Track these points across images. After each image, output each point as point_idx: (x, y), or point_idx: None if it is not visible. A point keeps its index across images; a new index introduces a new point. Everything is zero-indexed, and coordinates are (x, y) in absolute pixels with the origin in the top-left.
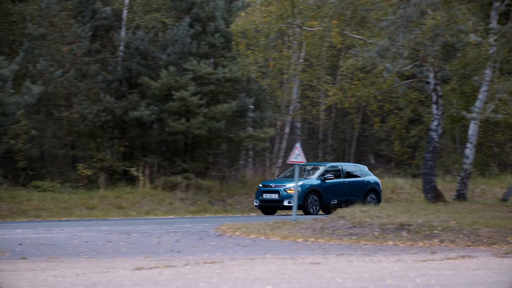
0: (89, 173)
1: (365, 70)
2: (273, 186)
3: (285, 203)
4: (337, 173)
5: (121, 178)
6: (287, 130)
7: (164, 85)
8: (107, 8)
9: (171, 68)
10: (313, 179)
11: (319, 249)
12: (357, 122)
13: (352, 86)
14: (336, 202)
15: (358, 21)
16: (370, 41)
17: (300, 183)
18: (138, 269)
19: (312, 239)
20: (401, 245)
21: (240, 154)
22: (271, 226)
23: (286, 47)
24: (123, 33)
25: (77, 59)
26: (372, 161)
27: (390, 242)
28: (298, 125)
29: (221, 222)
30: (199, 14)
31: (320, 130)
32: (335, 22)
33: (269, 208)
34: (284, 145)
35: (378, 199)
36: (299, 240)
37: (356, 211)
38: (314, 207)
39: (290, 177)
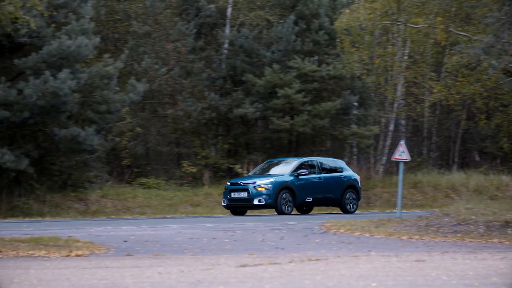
0: (194, 170)
1: (470, 67)
2: (241, 183)
3: (255, 201)
4: (312, 168)
5: (225, 175)
6: (391, 127)
7: (268, 82)
8: (212, 6)
9: (275, 66)
10: (286, 175)
11: (424, 246)
12: (462, 119)
13: (457, 83)
14: (311, 200)
15: (462, 18)
16: (475, 38)
17: (270, 179)
18: (243, 266)
19: (417, 237)
20: (507, 242)
21: (344, 151)
22: (376, 224)
23: (391, 44)
24: (227, 30)
25: (182, 57)
26: (477, 158)
27: (495, 240)
28: (403, 122)
29: (325, 219)
30: (303, 11)
31: (425, 127)
32: (439, 19)
33: (238, 208)
34: (388, 142)
35: (357, 197)
36: (403, 237)
37: (461, 208)
38: (286, 206)
39: (261, 174)
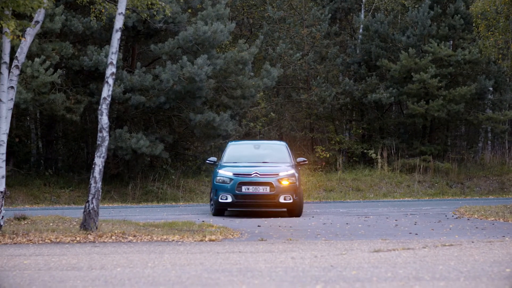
0: (328, 155)
1: None
2: (259, 174)
3: (281, 199)
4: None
5: (359, 160)
6: None
7: (403, 67)
8: None
9: (411, 51)
10: (292, 164)
11: None
12: None
13: None
14: None
15: None
16: None
17: (292, 171)
18: (376, 251)
19: None
20: None
21: (479, 136)
22: (510, 209)
23: None
24: (362, 15)
25: (316, 42)
26: None
27: None
28: None
29: (459, 204)
30: None
31: None
32: None
33: (250, 206)
34: None
35: None
36: None
37: None
38: None
39: (255, 162)
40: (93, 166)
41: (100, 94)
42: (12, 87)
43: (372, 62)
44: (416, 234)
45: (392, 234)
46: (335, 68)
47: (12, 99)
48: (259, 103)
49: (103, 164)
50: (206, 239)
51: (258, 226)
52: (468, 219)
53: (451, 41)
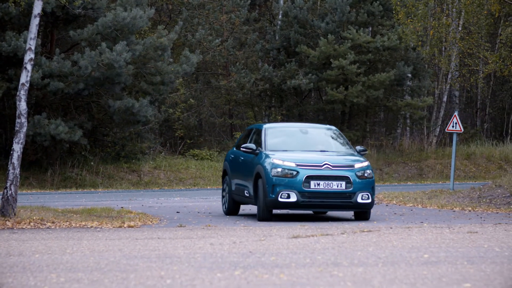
0: None
1: None
2: (329, 166)
3: (359, 198)
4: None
5: None
6: (445, 98)
7: (322, 53)
8: None
9: (330, 37)
10: (359, 154)
11: (477, 218)
12: None
13: None
14: None
15: None
16: None
17: (366, 163)
18: (295, 237)
19: (469, 208)
20: None
21: (398, 122)
22: (428, 195)
23: (445, 15)
24: (281, 1)
25: (236, 28)
26: None
27: None
28: (456, 93)
29: (378, 191)
30: None
31: (479, 99)
32: None
33: (321, 207)
34: (442, 113)
35: None
36: (456, 209)
37: None
38: None
39: (309, 151)
40: (12, 152)
41: (18, 80)
42: None
43: (291, 48)
44: (335, 220)
45: (311, 220)
46: (254, 54)
47: None
48: (178, 89)
49: (22, 150)
50: (125, 225)
51: (177, 212)
52: (387, 205)
53: (370, 28)
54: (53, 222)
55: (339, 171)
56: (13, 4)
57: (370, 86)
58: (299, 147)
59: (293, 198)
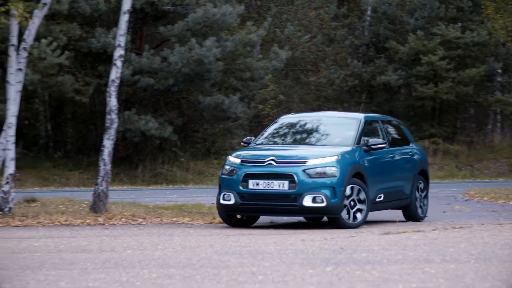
0: None
1: None
2: (272, 162)
3: (306, 201)
4: (376, 135)
5: None
6: None
7: (411, 49)
8: None
9: (419, 33)
10: (349, 148)
11: None
12: None
13: None
14: (381, 199)
15: None
16: None
17: (333, 156)
18: (386, 233)
19: None
20: None
21: (488, 118)
22: None
23: None
24: None
25: (325, 24)
26: None
27: None
28: None
29: (469, 187)
30: None
31: None
32: None
33: (262, 211)
34: None
35: (427, 191)
36: None
37: None
38: (354, 213)
39: (291, 144)
40: (102, 148)
41: (108, 77)
42: (20, 69)
43: (380, 44)
44: (426, 216)
45: (402, 216)
46: (343, 50)
47: (20, 81)
48: (268, 86)
49: (112, 146)
50: (216, 221)
51: None
52: (478, 202)
53: (459, 23)
54: (144, 218)
55: (283, 168)
56: (102, 0)
57: (460, 82)
58: (292, 141)
59: (232, 200)
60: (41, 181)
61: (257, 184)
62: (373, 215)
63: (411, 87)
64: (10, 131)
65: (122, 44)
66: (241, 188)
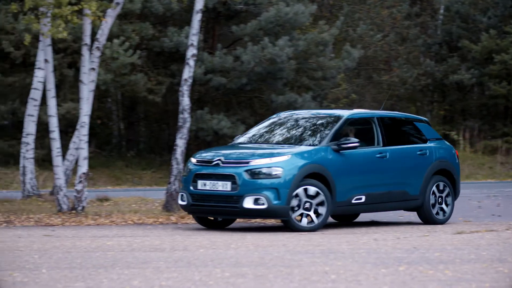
0: None
1: None
2: (219, 162)
3: (246, 202)
4: (367, 133)
5: None
6: None
7: (484, 48)
8: None
9: (492, 31)
10: (314, 148)
11: None
12: None
13: None
14: (362, 201)
15: None
16: None
17: (283, 156)
18: (459, 233)
19: None
20: None
21: None
22: None
23: None
24: None
25: (397, 23)
26: None
27: None
28: None
29: None
30: None
31: None
32: None
33: (211, 212)
34: None
35: (453, 192)
36: None
37: None
38: (308, 216)
39: (261, 142)
40: (175, 147)
41: (181, 76)
42: (93, 69)
43: (453, 43)
44: (499, 216)
45: (475, 216)
46: (416, 49)
47: (93, 80)
48: (340, 85)
49: (185, 145)
50: None
51: None
52: None
53: None
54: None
55: (227, 169)
56: (175, 0)
57: None
58: (268, 140)
59: (186, 200)
60: (113, 180)
61: (205, 185)
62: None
63: (484, 86)
64: (83, 130)
65: (195, 43)
66: (191, 188)
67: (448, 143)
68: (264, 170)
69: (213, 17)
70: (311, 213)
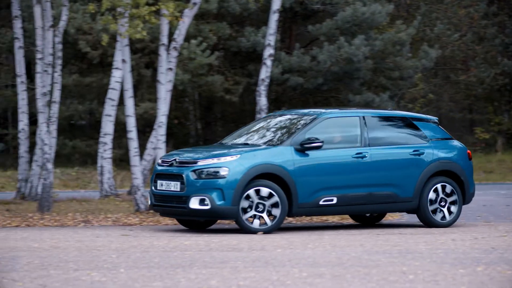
0: (487, 136)
1: None
2: (174, 162)
3: (192, 203)
4: (350, 133)
5: None
6: None
7: None
8: None
9: None
10: (274, 148)
11: None
12: None
13: None
14: (334, 202)
15: None
16: None
17: (232, 156)
18: None
19: None
20: None
21: None
22: None
23: None
24: None
25: (475, 22)
26: None
27: None
28: None
29: None
30: None
31: None
32: None
33: (167, 212)
34: None
35: (460, 194)
36: None
37: None
38: (258, 217)
39: (237, 144)
40: None
41: (258, 75)
42: (170, 69)
43: None
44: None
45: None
46: (493, 49)
47: (170, 81)
48: (417, 84)
49: None
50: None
51: None
52: None
53: None
54: (293, 217)
55: (177, 169)
56: (252, 0)
57: None
58: (249, 139)
59: (151, 200)
60: None
61: (162, 185)
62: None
63: None
64: (161, 130)
65: (272, 43)
66: (153, 188)
67: (459, 144)
68: (209, 170)
69: (290, 17)
70: (264, 214)
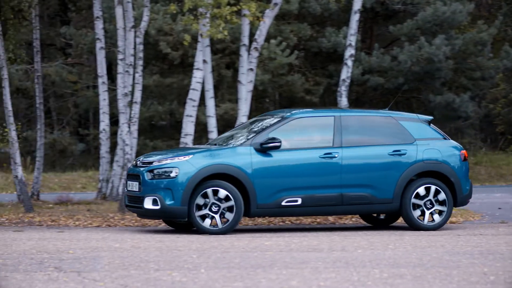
0: None
1: None
2: (138, 163)
3: (146, 203)
4: (322, 133)
5: None
6: None
7: None
8: None
9: None
10: (233, 148)
11: None
12: None
13: None
14: (299, 203)
15: None
16: None
17: (184, 156)
18: None
19: None
20: None
21: None
22: None
23: None
24: None
25: None
26: None
27: None
28: None
29: None
30: None
31: None
32: None
33: (136, 212)
34: None
35: (450, 198)
36: None
37: None
38: (210, 218)
39: (214, 145)
40: None
41: (338, 76)
42: (251, 69)
43: None
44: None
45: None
46: None
47: (251, 81)
48: (499, 85)
49: None
50: (448, 221)
51: (499, 208)
52: None
53: None
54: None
55: (136, 169)
56: (333, 0)
57: None
58: (227, 140)
59: (124, 200)
60: None
61: (129, 186)
62: None
63: None
64: None
65: (353, 43)
66: (126, 189)
67: (453, 144)
68: (160, 170)
69: (371, 17)
70: (217, 216)
